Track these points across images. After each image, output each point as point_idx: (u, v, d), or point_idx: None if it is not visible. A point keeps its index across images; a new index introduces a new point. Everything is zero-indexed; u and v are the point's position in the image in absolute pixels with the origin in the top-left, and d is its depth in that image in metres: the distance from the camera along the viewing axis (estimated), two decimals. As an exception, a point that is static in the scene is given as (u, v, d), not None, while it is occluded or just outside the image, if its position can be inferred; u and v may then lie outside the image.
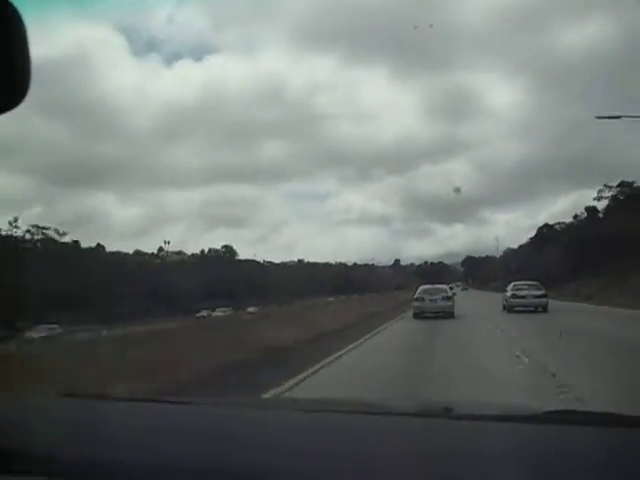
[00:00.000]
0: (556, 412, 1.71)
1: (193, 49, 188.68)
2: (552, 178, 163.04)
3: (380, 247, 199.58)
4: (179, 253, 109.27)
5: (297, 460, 1.31)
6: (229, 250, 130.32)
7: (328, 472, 1.24)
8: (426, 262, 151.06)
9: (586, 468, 1.21)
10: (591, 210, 67.95)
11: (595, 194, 66.21)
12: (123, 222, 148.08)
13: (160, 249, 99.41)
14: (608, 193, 65.26)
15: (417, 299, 27.61)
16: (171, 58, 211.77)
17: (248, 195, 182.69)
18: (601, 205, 68.03)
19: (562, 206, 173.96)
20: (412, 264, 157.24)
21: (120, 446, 1.46)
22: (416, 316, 26.65)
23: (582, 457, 1.29)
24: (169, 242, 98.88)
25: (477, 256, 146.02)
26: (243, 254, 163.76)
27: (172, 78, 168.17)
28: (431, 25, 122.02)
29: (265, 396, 7.53)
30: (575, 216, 74.39)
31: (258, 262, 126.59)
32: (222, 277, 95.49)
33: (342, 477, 1.23)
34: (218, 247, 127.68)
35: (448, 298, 27.23)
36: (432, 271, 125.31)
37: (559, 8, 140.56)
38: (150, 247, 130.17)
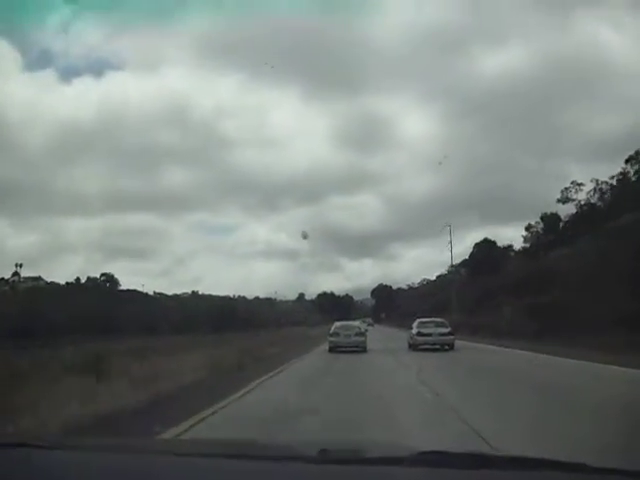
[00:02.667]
0: (429, 453, 1.77)
1: (91, 64, 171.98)
2: (463, 213, 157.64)
3: (286, 281, 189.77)
4: (36, 279, 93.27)
5: None
6: (109, 279, 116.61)
7: None
8: (331, 293, 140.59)
9: None
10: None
11: (506, 230, 58.30)
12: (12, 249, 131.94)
13: (15, 273, 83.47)
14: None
15: (333, 334, 28.99)
16: (68, 73, 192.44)
17: (151, 225, 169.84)
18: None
19: (473, 241, 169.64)
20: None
21: None
22: (331, 350, 27.92)
23: None
24: (21, 265, 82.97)
25: (389, 286, 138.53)
26: (135, 284, 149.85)
27: (69, 95, 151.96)
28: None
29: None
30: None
31: (142, 293, 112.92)
32: (92, 308, 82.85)
33: None
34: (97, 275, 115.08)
35: (361, 334, 28.92)
36: (338, 305, 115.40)
37: (478, 34, 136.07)
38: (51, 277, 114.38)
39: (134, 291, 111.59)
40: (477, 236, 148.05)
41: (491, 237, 64.66)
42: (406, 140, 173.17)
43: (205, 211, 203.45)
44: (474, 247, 52.94)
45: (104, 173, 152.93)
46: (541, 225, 52.57)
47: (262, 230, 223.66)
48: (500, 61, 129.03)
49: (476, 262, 53.90)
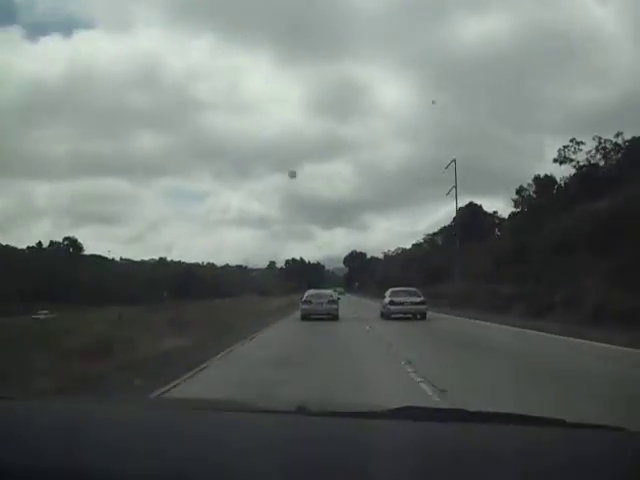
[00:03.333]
0: (404, 408, 1.81)
1: (58, 21, 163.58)
2: (435, 184, 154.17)
3: (257, 249, 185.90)
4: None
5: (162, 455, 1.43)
6: (73, 243, 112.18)
7: (193, 466, 1.33)
8: (300, 260, 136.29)
9: (428, 462, 1.33)
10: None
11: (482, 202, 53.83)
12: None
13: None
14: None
15: (305, 302, 29.02)
16: (33, 30, 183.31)
17: (120, 190, 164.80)
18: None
19: (445, 214, 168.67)
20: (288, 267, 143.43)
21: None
22: (304, 318, 27.92)
23: (425, 451, 1.42)
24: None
25: (363, 253, 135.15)
26: (103, 250, 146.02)
27: (34, 53, 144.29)
28: None
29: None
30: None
31: (106, 258, 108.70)
32: (56, 274, 79.11)
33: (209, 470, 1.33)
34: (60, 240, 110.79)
35: (333, 302, 29.16)
36: (308, 274, 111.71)
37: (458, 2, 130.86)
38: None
39: (98, 257, 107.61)
40: (450, 209, 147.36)
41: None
42: (382, 107, 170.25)
43: (176, 177, 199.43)
44: (458, 211, 49.07)
45: (72, 136, 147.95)
46: (533, 188, 47.92)
47: (234, 197, 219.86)
48: (480, 29, 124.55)
49: (462, 228, 49.79)
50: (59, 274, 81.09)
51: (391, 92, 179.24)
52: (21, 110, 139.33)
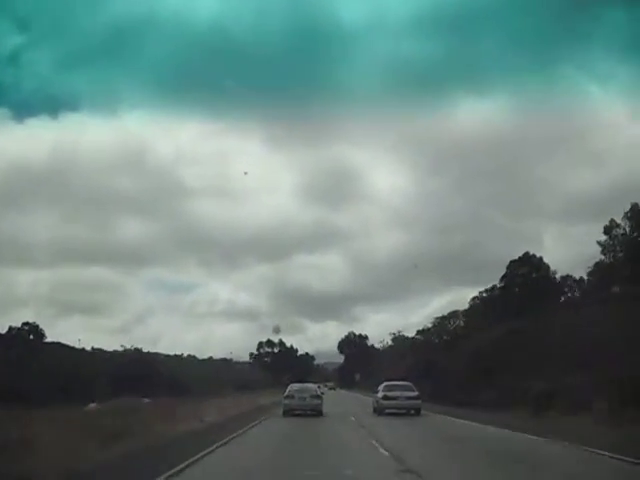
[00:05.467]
0: None
1: (43, 102, 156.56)
2: (429, 275, 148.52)
3: (244, 342, 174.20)
4: None
5: None
6: (33, 329, 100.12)
7: None
8: (291, 348, 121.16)
9: None
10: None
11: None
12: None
13: None
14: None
15: (287, 397, 28.68)
16: (17, 111, 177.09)
17: (104, 280, 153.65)
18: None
19: (438, 305, 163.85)
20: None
21: None
22: (285, 413, 27.80)
23: None
24: None
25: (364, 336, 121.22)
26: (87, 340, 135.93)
27: (17, 134, 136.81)
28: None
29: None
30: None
31: (66, 346, 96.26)
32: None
33: None
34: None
35: (317, 397, 28.95)
36: (295, 366, 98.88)
37: (455, 81, 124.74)
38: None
39: (59, 344, 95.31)
40: (443, 300, 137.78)
41: (457, 301, 56.11)
42: (375, 194, 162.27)
43: (162, 266, 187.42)
44: (508, 267, 39.30)
45: (54, 221, 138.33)
46: (628, 224, 36.71)
47: (221, 288, 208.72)
48: (476, 111, 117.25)
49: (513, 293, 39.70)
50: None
51: (385, 178, 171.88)
52: (3, 193, 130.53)
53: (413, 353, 61.49)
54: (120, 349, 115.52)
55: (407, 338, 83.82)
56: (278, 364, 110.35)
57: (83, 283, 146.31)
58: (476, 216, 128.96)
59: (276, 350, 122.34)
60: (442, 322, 72.93)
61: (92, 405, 34.89)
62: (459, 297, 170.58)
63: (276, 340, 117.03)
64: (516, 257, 42.49)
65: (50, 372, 68.37)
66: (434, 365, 42.31)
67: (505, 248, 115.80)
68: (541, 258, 42.79)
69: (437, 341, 63.46)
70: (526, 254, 42.15)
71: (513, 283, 40.88)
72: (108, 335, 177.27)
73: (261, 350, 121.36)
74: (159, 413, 24.42)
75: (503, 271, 47.82)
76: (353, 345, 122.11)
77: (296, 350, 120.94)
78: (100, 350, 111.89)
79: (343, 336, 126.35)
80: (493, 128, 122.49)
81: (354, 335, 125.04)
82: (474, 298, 52.21)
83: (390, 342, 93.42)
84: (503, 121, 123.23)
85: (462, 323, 68.51)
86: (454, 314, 71.19)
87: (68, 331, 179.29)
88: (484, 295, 50.27)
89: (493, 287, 45.54)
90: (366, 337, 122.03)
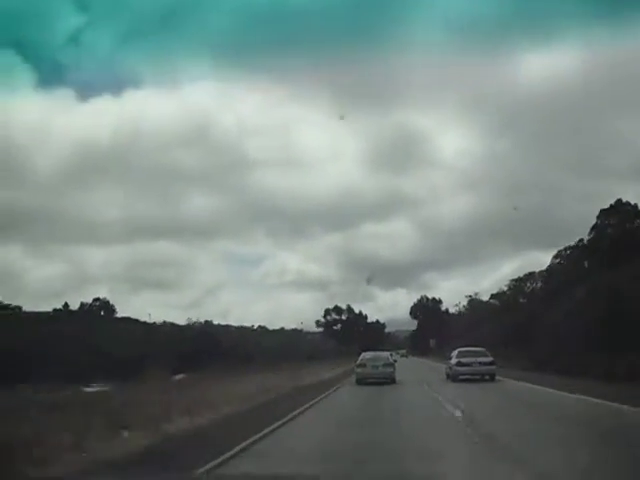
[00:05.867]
0: None
1: (105, 81, 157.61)
2: (499, 239, 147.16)
3: (315, 312, 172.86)
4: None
5: None
6: (104, 305, 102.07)
7: None
8: (359, 314, 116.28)
9: None
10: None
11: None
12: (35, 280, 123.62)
13: None
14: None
15: (360, 365, 28.71)
16: (81, 91, 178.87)
17: (174, 254, 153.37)
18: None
19: (509, 270, 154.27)
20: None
21: None
22: (359, 382, 27.77)
23: None
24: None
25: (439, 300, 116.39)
26: (156, 315, 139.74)
27: (83, 114, 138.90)
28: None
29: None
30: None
31: (137, 321, 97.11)
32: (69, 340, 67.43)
33: None
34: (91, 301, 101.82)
35: (390, 365, 28.58)
36: (366, 335, 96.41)
37: (520, 35, 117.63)
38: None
39: (128, 319, 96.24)
40: (514, 264, 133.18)
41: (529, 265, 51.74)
42: (441, 158, 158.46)
43: (230, 239, 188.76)
44: (599, 217, 35.43)
45: (122, 198, 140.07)
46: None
47: (290, 259, 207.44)
48: (544, 66, 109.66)
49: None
50: (77, 340, 69.31)
51: (451, 141, 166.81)
52: (72, 172, 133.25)
53: (500, 315, 57.67)
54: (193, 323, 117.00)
55: (483, 302, 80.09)
56: (348, 333, 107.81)
57: (153, 259, 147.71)
58: (547, 177, 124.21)
59: (344, 317, 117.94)
60: (518, 284, 69.08)
61: (181, 375, 37.10)
62: (531, 261, 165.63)
63: (344, 306, 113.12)
64: (606, 206, 37.86)
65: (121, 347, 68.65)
66: (528, 327, 38.44)
67: (578, 210, 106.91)
68: (636, 205, 37.79)
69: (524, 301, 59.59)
70: (619, 201, 37.51)
71: (604, 235, 36.54)
72: (179, 309, 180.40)
73: (328, 317, 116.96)
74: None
75: (578, 232, 44.17)
76: (426, 310, 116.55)
77: (365, 317, 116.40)
78: (172, 324, 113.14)
79: (415, 301, 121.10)
80: (562, 83, 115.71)
81: (427, 299, 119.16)
82: (557, 255, 48.06)
83: (466, 306, 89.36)
84: (572, 75, 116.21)
85: (540, 285, 64.65)
86: (531, 276, 67.19)
87: (140, 306, 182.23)
88: (567, 252, 46.10)
89: (579, 241, 41.31)
90: (440, 301, 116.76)
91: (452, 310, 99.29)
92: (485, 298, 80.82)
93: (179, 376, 36.21)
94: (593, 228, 37.64)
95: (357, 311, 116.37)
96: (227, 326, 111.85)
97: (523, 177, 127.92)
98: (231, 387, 22.87)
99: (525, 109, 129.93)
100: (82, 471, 8.18)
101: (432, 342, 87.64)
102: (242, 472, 7.99)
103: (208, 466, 8.58)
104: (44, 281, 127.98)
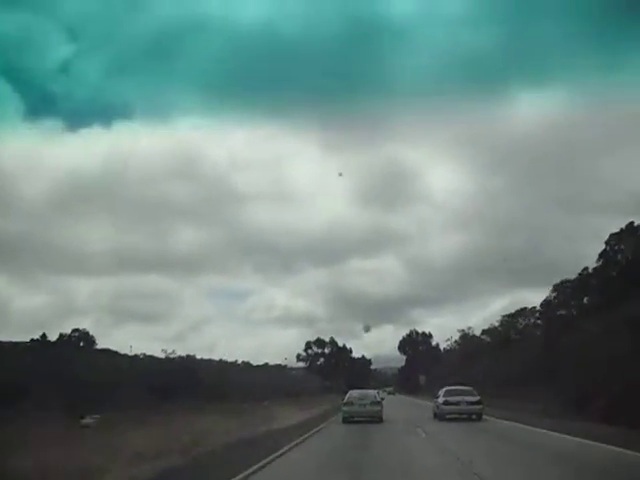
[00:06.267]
0: None
1: (96, 111, 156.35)
2: (488, 277, 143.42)
3: (302, 348, 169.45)
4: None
5: None
6: (83, 336, 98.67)
7: None
8: (343, 347, 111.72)
9: None
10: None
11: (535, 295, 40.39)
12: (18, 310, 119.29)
13: None
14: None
15: (346, 403, 28.50)
16: (71, 121, 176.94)
17: (160, 287, 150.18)
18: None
19: (498, 307, 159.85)
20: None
21: None
22: (345, 420, 27.84)
23: None
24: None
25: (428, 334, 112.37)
26: (147, 349, 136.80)
27: (72, 144, 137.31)
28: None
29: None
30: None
31: (118, 353, 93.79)
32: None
33: None
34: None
35: (377, 403, 28.39)
36: (352, 371, 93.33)
37: (513, 74, 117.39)
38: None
39: (109, 351, 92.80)
40: (503, 302, 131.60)
41: (518, 303, 50.55)
42: (431, 195, 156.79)
43: (218, 273, 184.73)
44: (607, 242, 32.83)
45: (110, 230, 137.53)
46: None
47: (277, 294, 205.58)
48: (535, 105, 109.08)
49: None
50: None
51: (441, 178, 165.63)
52: (60, 202, 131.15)
53: (497, 350, 54.84)
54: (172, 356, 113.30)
55: (476, 336, 77.19)
56: (332, 368, 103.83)
57: (140, 291, 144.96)
58: (537, 216, 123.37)
59: (327, 351, 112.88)
60: (510, 320, 66.81)
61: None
62: (520, 299, 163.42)
63: (327, 339, 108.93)
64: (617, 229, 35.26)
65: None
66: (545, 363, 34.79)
67: (569, 248, 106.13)
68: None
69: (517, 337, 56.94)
70: (630, 224, 35.02)
71: (614, 261, 34.17)
72: (164, 342, 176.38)
73: (309, 351, 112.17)
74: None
75: (562, 273, 42.32)
76: (415, 345, 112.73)
77: (350, 350, 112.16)
78: (151, 356, 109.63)
79: (405, 335, 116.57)
80: (554, 122, 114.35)
81: (416, 333, 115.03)
82: (558, 285, 45.67)
83: (458, 340, 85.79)
84: (564, 115, 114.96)
85: (533, 321, 62.45)
86: (522, 312, 65.08)
87: (124, 339, 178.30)
88: (566, 285, 43.75)
89: (584, 270, 38.80)
90: (430, 335, 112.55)
91: (443, 346, 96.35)
92: (477, 333, 78.25)
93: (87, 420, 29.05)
94: (602, 255, 35.36)
95: (341, 344, 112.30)
96: (209, 360, 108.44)
97: (514, 215, 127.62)
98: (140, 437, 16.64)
99: (517, 147, 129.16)
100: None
101: (422, 379, 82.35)
102: None
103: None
104: (27, 311, 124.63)
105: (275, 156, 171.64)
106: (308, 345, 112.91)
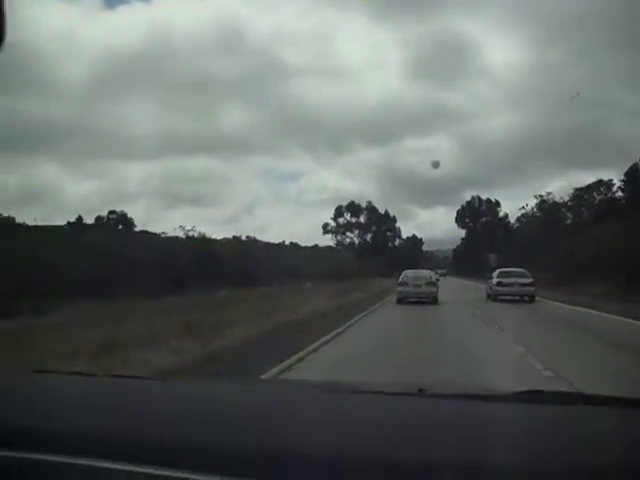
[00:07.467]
0: (524, 392, 1.78)
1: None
2: (545, 158, 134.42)
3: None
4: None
5: (303, 436, 1.38)
6: (121, 219, 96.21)
7: (331, 445, 1.32)
8: (382, 214, 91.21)
9: (554, 445, 1.32)
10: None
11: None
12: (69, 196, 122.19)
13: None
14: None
15: (401, 284, 28.48)
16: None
17: (210, 169, 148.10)
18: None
19: (554, 189, 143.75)
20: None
21: (93, 420, 1.51)
22: (400, 301, 27.59)
23: (551, 434, 1.41)
24: None
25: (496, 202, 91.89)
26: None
27: (111, 22, 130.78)
28: None
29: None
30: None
31: (156, 234, 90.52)
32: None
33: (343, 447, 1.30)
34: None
35: (432, 284, 28.35)
36: (402, 253, 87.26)
37: None
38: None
39: (146, 233, 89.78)
40: (560, 184, 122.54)
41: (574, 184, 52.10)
42: (489, 69, 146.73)
43: (267, 154, 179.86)
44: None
45: (155, 112, 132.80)
46: None
47: (328, 175, 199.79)
48: None
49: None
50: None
51: (499, 50, 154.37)
52: (102, 85, 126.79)
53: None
54: (219, 237, 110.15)
55: (557, 203, 65.17)
56: (367, 245, 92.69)
57: (188, 174, 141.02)
58: (599, 92, 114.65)
59: (362, 220, 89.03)
60: (580, 194, 59.05)
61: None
62: (578, 182, 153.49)
63: (364, 204, 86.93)
64: None
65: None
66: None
67: (632, 128, 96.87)
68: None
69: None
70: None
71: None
72: (215, 225, 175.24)
73: (340, 220, 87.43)
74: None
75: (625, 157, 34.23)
76: (478, 215, 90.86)
77: (394, 218, 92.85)
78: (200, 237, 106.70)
79: (464, 203, 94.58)
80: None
81: (480, 201, 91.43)
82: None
83: (535, 210, 71.07)
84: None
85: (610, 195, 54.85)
86: (598, 184, 57.12)
87: (177, 223, 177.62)
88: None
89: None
90: (497, 203, 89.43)
91: (515, 216, 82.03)
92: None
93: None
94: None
95: (382, 211, 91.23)
96: (255, 241, 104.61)
97: (572, 91, 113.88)
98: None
99: (578, 17, 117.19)
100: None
101: (492, 258, 64.13)
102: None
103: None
104: (78, 197, 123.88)
105: (322, 28, 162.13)
106: (339, 212, 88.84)
